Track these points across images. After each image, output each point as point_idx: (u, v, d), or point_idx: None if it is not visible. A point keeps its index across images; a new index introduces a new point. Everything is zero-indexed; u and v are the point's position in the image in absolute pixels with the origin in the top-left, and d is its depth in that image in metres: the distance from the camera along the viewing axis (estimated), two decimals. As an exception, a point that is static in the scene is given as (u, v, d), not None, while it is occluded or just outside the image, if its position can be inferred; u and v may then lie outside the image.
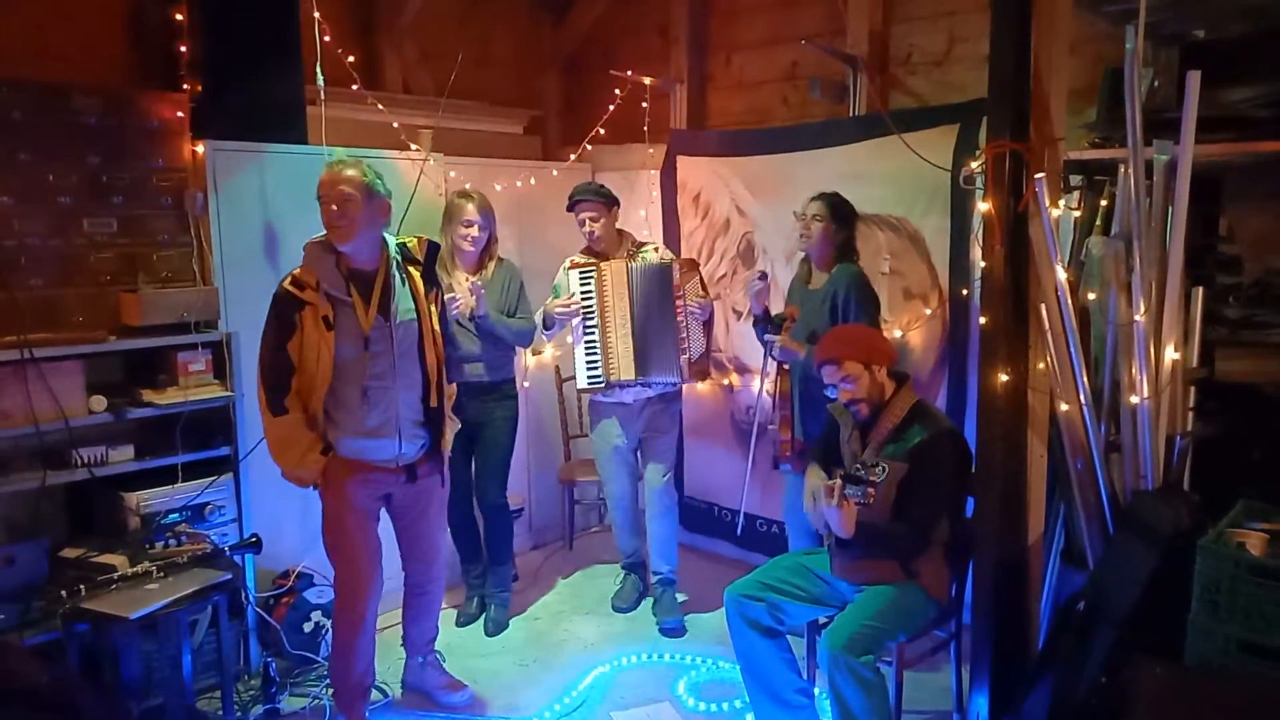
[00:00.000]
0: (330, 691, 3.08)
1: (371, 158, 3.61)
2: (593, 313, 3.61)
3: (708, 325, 3.68)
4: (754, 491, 3.81)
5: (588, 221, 3.65)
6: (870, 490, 2.54)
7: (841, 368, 2.76)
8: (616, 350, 3.59)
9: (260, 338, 2.75)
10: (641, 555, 4.02)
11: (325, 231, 2.70)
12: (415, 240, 2.91)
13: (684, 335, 3.56)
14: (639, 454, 3.86)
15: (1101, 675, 2.26)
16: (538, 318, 3.69)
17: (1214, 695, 2.00)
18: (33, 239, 3.00)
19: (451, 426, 3.05)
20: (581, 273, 3.64)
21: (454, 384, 3.16)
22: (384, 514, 3.03)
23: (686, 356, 3.57)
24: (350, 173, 2.65)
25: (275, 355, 2.68)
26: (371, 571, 2.89)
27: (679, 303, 3.55)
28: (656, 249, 3.76)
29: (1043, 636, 2.72)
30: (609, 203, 3.67)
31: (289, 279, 2.71)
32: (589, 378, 3.62)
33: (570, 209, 3.69)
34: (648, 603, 3.95)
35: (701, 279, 3.68)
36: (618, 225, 3.77)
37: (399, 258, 2.81)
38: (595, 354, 3.61)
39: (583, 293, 3.62)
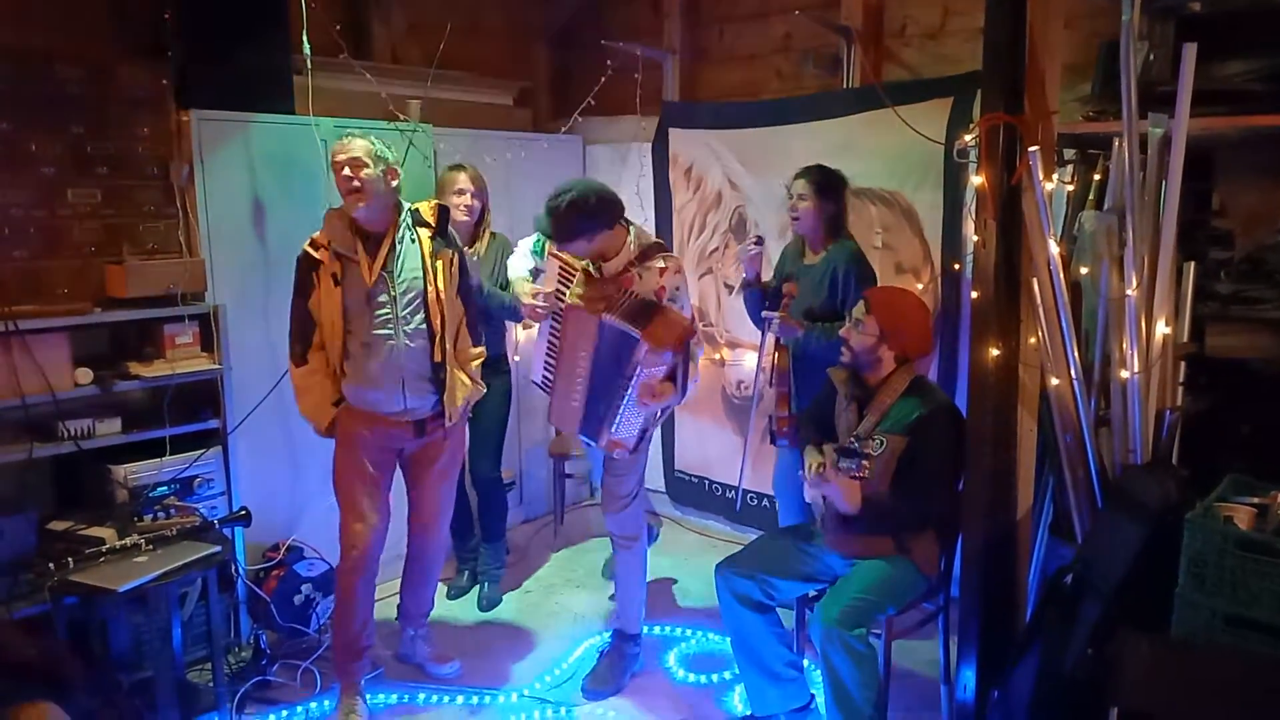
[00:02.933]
0: (328, 657, 3.09)
1: (359, 128, 3.59)
2: (560, 320, 3.04)
3: (651, 419, 3.01)
4: (746, 466, 3.81)
5: (586, 256, 2.95)
6: (865, 463, 2.54)
7: (867, 317, 2.74)
8: (564, 399, 3.02)
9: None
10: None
11: (347, 203, 2.82)
12: (429, 205, 2.99)
13: (618, 409, 2.89)
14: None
15: (1088, 647, 2.27)
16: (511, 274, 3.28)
17: (1199, 667, 2.02)
18: (16, 210, 2.97)
19: (475, 390, 3.09)
20: (561, 271, 3.02)
21: (481, 348, 3.13)
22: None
23: (610, 429, 2.93)
24: (359, 141, 2.81)
25: (298, 310, 2.89)
26: (370, 521, 2.94)
27: (627, 380, 2.85)
28: (663, 269, 2.92)
29: (1030, 609, 2.74)
30: (569, 236, 2.87)
31: (309, 240, 2.87)
32: (544, 376, 3.12)
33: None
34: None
35: (678, 370, 2.90)
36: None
37: (409, 220, 2.92)
38: (553, 362, 3.08)
39: (557, 294, 3.02)
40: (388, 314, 2.84)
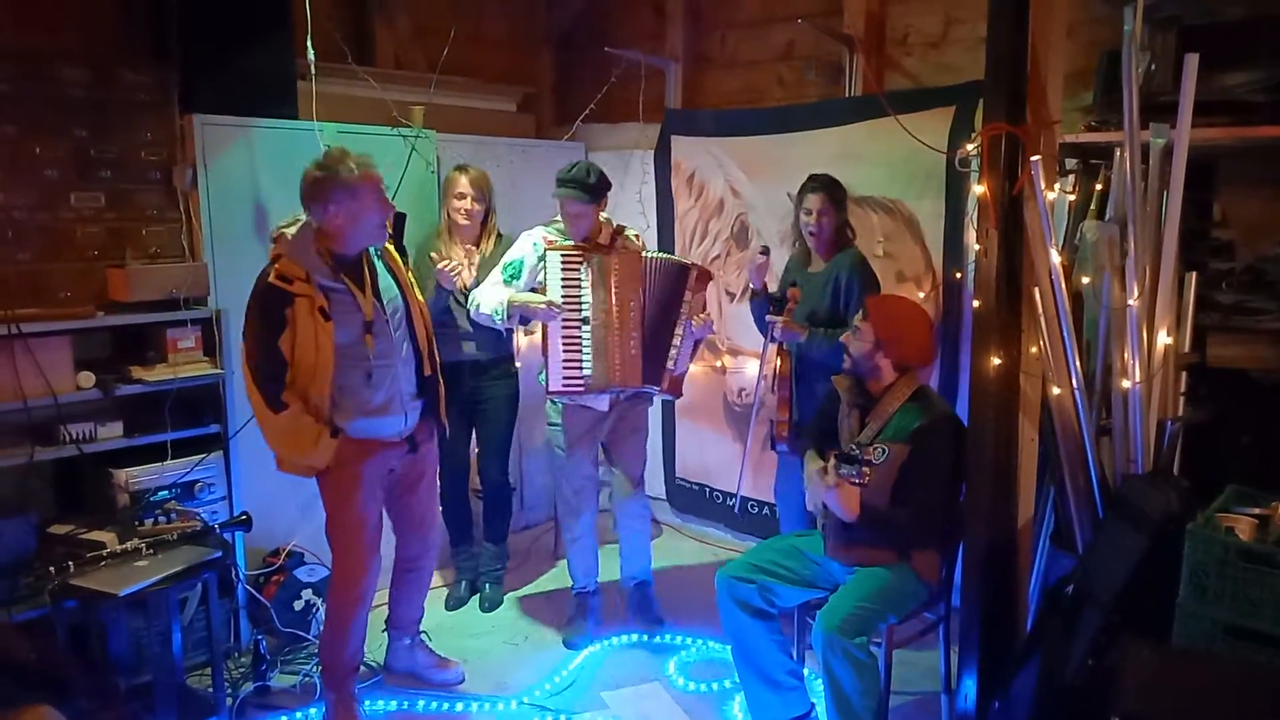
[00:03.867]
0: (319, 669, 3.08)
1: (363, 134, 3.61)
2: (576, 307, 3.19)
3: (697, 344, 3.43)
4: (746, 473, 3.81)
5: (570, 218, 3.26)
6: (865, 470, 2.54)
7: (864, 323, 2.75)
8: (622, 353, 3.21)
9: (243, 335, 2.67)
10: (598, 582, 3.61)
11: (373, 234, 2.72)
12: None
13: (676, 345, 3.28)
14: (605, 459, 3.56)
15: (1089, 657, 2.27)
16: (486, 308, 3.24)
17: (1200, 678, 2.01)
18: (19, 212, 2.98)
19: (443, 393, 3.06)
20: (566, 259, 3.19)
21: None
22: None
23: (670, 368, 3.29)
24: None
25: (267, 353, 2.59)
26: (374, 552, 2.90)
27: (683, 310, 3.28)
28: (638, 236, 3.48)
29: (1031, 619, 2.74)
30: (594, 198, 3.23)
31: (273, 274, 2.60)
32: (565, 380, 3.20)
33: (556, 194, 3.27)
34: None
35: (705, 298, 3.43)
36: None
37: None
38: (576, 354, 3.20)
39: (566, 283, 3.18)
40: (385, 341, 2.75)
